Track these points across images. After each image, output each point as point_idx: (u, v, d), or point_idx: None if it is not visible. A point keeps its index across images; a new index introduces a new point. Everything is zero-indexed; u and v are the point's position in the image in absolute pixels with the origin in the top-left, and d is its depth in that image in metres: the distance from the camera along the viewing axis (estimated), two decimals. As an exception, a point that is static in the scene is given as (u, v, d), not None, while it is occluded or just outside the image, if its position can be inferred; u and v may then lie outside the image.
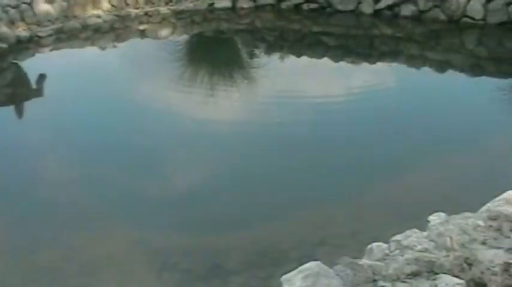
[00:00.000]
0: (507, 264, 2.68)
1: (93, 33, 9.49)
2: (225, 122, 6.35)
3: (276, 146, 5.62)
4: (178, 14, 10.20)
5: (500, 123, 6.15)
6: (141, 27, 9.90)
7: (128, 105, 6.80)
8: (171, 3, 10.32)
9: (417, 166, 4.87)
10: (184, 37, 10.07)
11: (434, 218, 3.06)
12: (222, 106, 7.01)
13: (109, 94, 7.18)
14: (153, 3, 10.22)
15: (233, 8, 10.32)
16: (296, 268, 2.49)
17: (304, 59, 8.85)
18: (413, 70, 8.30)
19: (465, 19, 9.13)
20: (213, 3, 10.34)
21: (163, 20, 10.09)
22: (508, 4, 8.80)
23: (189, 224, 4.24)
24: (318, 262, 2.59)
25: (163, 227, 4.19)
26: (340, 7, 9.91)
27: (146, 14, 10.05)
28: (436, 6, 9.30)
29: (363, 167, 5.01)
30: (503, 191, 3.41)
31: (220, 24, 10.17)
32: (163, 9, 10.18)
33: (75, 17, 9.50)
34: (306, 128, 6.12)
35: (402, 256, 2.75)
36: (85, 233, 4.07)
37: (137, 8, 10.08)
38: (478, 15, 9.00)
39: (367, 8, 9.76)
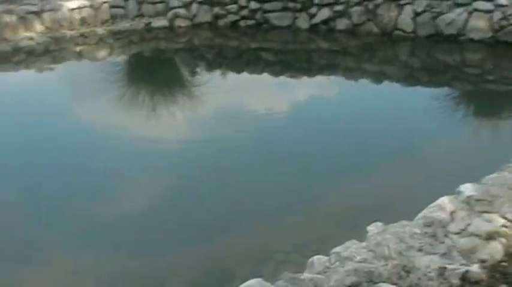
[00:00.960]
0: (442, 268, 2.77)
1: (27, 56, 9.26)
2: (168, 141, 6.32)
3: (222, 162, 5.63)
4: (115, 35, 10.08)
5: (435, 131, 6.36)
6: (78, 48, 9.73)
7: (69, 127, 6.66)
8: (107, 24, 10.19)
9: (357, 175, 4.97)
10: (123, 57, 9.97)
11: (372, 228, 3.13)
12: (165, 125, 6.96)
13: (48, 116, 7.04)
14: (89, 24, 10.06)
15: (171, 27, 10.29)
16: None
17: (244, 75, 8.94)
18: (351, 82, 8.52)
19: (397, 32, 9.43)
20: (150, 23, 10.28)
21: (100, 41, 9.95)
22: (434, 18, 9.16)
23: (131, 246, 4.17)
24: (259, 279, 2.61)
25: (107, 251, 4.11)
26: (276, 23, 10.05)
27: (82, 35, 9.88)
28: (369, 19, 9.57)
29: (305, 178, 5.09)
30: (438, 198, 3.55)
31: (159, 43, 10.12)
32: (100, 30, 10.05)
33: (5, 39, 9.25)
34: (250, 143, 6.18)
35: (342, 267, 2.80)
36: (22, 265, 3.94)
37: (72, 30, 9.90)
38: (409, 28, 9.33)
39: (303, 23, 9.94)
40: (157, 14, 10.43)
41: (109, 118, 7.05)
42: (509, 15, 8.58)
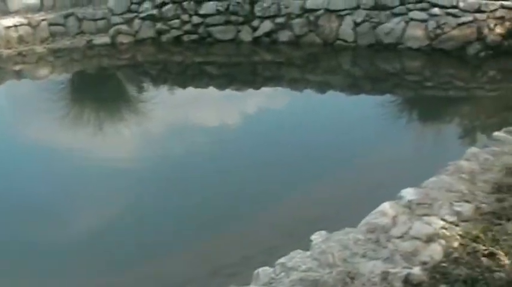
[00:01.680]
0: (385, 273, 2.82)
1: (-40, 77, 8.98)
2: (116, 159, 6.21)
3: (170, 177, 5.59)
4: (55, 53, 9.88)
5: (378, 138, 6.49)
6: (17, 67, 9.48)
7: (12, 149, 6.47)
8: (46, 42, 9.98)
9: (303, 186, 5.02)
10: (65, 76, 9.77)
11: (316, 237, 3.16)
12: (112, 143, 6.86)
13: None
14: (27, 43, 9.83)
15: (113, 44, 10.16)
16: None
17: (190, 89, 8.92)
18: (296, 93, 8.63)
19: (339, 42, 9.63)
20: (91, 40, 10.13)
21: (40, 60, 9.73)
22: (373, 27, 9.40)
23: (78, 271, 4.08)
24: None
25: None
26: (219, 36, 10.08)
27: (20, 54, 9.63)
28: (311, 31, 9.73)
29: (252, 190, 5.11)
30: (381, 203, 3.61)
31: (101, 60, 9.97)
32: (39, 48, 9.82)
33: None
34: (198, 156, 6.14)
35: (288, 278, 2.81)
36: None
37: (9, 48, 9.64)
38: (350, 38, 9.54)
39: (246, 36, 10.02)
40: (98, 31, 10.29)
41: (54, 138, 6.89)
42: (443, 24, 8.90)
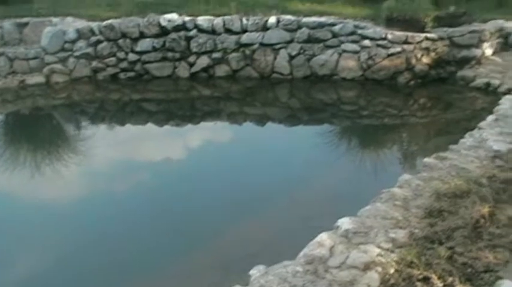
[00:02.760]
0: (323, 305, 2.84)
1: None
2: (54, 200, 6.04)
3: (110, 217, 5.49)
4: (-15, 94, 9.59)
5: (316, 168, 6.61)
6: None
7: None
8: (-23, 84, 9.69)
9: (241, 219, 5.02)
10: (-2, 117, 9.48)
11: (255, 272, 3.16)
12: (50, 183, 6.66)
13: None
14: (-44, 84, 9.52)
15: (47, 83, 9.95)
16: None
17: (129, 126, 8.81)
18: (235, 126, 8.70)
19: (275, 75, 9.82)
20: (24, 80, 9.89)
21: (-30, 102, 9.42)
22: (308, 60, 9.65)
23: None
24: None
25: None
26: (157, 73, 10.07)
27: None
28: (247, 65, 9.88)
29: (190, 227, 5.07)
30: (318, 234, 3.66)
31: (36, 100, 9.73)
32: (-31, 91, 9.52)
33: None
34: (138, 195, 6.08)
35: (227, 315, 2.78)
36: None
37: None
38: (286, 70, 9.74)
39: (183, 72, 10.05)
40: (32, 71, 10.06)
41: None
42: (374, 55, 9.25)
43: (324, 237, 3.54)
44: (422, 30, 9.23)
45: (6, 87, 9.78)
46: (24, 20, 10.82)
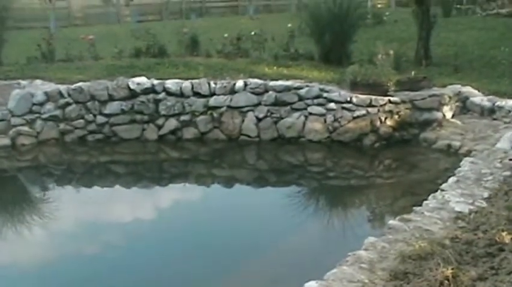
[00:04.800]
0: None
1: None
2: (18, 265, 5.91)
3: (78, 279, 5.40)
4: (-52, 156, 9.42)
5: (283, 230, 6.66)
6: None
7: None
8: None
9: (204, 282, 4.99)
10: (-41, 179, 9.31)
11: None
12: (13, 246, 6.51)
13: None
14: None
15: (13, 145, 9.85)
16: None
17: (96, 188, 8.76)
18: (203, 188, 8.74)
19: (243, 137, 9.94)
20: (-11, 142, 9.79)
21: None
22: (275, 122, 9.84)
23: None
24: None
25: None
26: (125, 135, 10.09)
27: None
28: (215, 127, 9.99)
29: None
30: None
31: (0, 162, 9.60)
32: None
33: None
34: (106, 257, 6.06)
35: None
36: None
37: None
38: (253, 133, 9.89)
39: (151, 135, 10.09)
40: (-3, 133, 9.99)
41: None
42: (340, 117, 9.48)
43: (290, 302, 3.53)
44: (385, 94, 9.55)
45: (-31, 149, 9.65)
46: (-8, 82, 10.83)
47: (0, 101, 10.44)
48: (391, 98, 9.49)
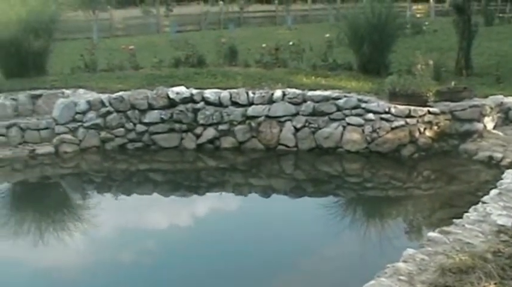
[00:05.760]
0: None
1: None
2: (59, 269, 6.05)
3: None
4: (-4, 163, 9.73)
5: (321, 241, 6.67)
6: (-46, 180, 9.26)
7: None
8: (-13, 153, 9.85)
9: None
10: (5, 186, 9.59)
11: None
12: (54, 251, 6.67)
13: None
14: (-33, 155, 9.69)
15: (56, 153, 10.13)
16: None
17: (135, 196, 8.90)
18: (241, 197, 8.77)
19: (280, 147, 9.96)
20: (34, 150, 10.07)
21: (-21, 171, 9.55)
22: (313, 132, 9.82)
23: None
24: None
25: None
26: (164, 144, 10.23)
27: (-42, 166, 9.45)
28: (253, 136, 10.04)
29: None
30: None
31: (44, 169, 9.86)
32: (-21, 160, 9.67)
33: None
34: (146, 264, 6.11)
35: None
36: None
37: None
38: (291, 143, 9.90)
39: (189, 144, 10.21)
40: (42, 141, 10.27)
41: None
42: (378, 128, 9.41)
43: (328, 312, 3.52)
44: (424, 104, 9.44)
45: (16, 156, 9.94)
46: (38, 92, 11.16)
47: (45, 110, 10.77)
48: (431, 109, 9.37)
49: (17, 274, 5.97)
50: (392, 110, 9.39)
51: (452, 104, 9.49)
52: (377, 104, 9.59)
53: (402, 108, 9.36)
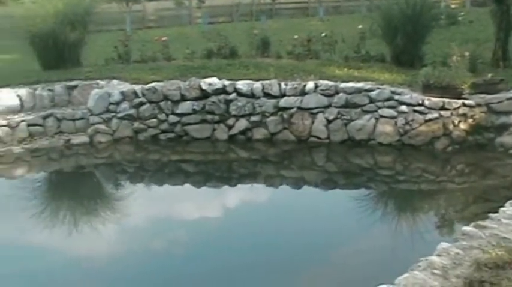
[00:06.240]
0: None
1: None
2: (92, 257, 6.18)
3: (155, 275, 5.56)
4: (33, 152, 9.95)
5: (354, 232, 6.64)
6: (-8, 167, 9.50)
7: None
8: (25, 142, 10.08)
9: (274, 283, 5.01)
10: (42, 175, 9.81)
11: None
12: (88, 240, 6.80)
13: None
14: (5, 143, 9.91)
15: (91, 143, 10.30)
16: None
17: (167, 186, 9.01)
18: (272, 189, 8.78)
19: (312, 139, 9.92)
20: (69, 140, 10.27)
21: (17, 159, 9.77)
22: (345, 124, 9.76)
23: None
24: None
25: None
26: (196, 135, 10.31)
27: (-3, 154, 9.69)
28: (285, 128, 10.03)
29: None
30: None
31: (79, 159, 10.06)
32: (17, 149, 9.89)
33: None
34: (178, 254, 6.22)
35: None
36: None
37: (-14, 149, 9.71)
38: (323, 134, 9.85)
39: (221, 135, 10.26)
40: (77, 131, 10.47)
41: (27, 236, 6.81)
42: (411, 120, 9.29)
43: (361, 305, 3.52)
44: (459, 96, 9.28)
45: (52, 146, 10.16)
46: (74, 83, 11.37)
47: (80, 101, 10.96)
48: (466, 101, 9.21)
49: (52, 261, 6.11)
50: (426, 103, 9.25)
51: (488, 97, 9.31)
52: (410, 96, 9.47)
53: (436, 100, 9.22)
